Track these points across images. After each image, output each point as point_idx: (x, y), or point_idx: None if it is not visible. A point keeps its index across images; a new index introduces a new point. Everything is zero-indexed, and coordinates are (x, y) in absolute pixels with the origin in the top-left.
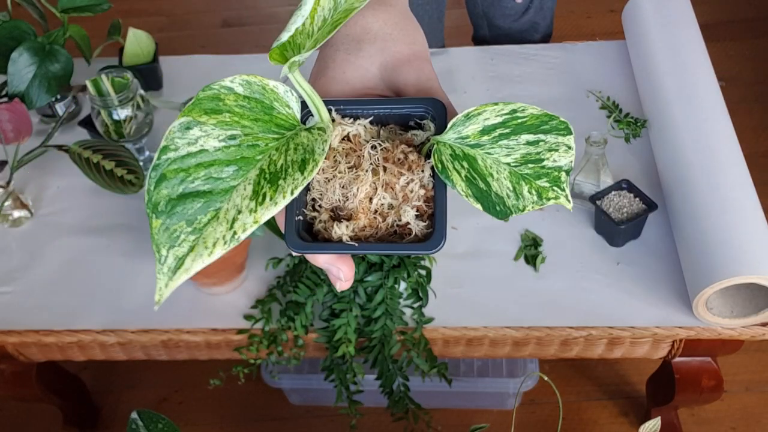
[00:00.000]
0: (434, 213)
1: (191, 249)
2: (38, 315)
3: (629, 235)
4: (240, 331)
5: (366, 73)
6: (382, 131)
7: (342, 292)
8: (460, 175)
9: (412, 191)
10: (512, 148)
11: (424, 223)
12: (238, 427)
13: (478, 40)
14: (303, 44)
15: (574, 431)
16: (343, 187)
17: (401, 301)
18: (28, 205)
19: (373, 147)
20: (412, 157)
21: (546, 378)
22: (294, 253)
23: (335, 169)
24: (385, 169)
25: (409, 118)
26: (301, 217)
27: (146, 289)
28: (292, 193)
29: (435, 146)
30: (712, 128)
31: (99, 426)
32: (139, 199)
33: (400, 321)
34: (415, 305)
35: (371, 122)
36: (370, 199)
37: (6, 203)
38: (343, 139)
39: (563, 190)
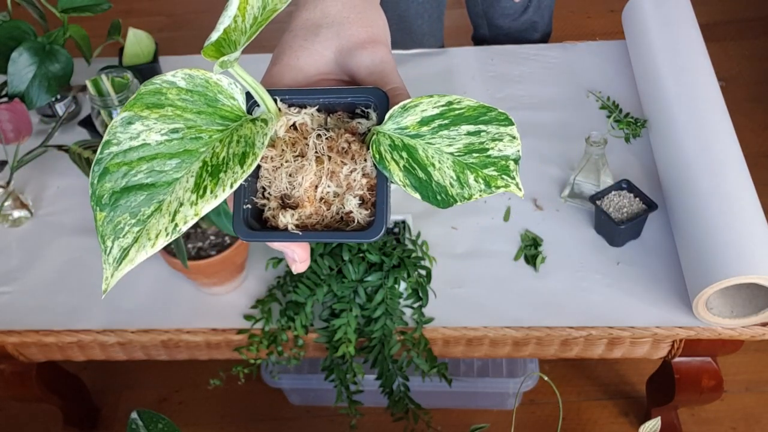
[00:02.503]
0: (375, 202)
1: (135, 240)
2: (38, 315)
3: (629, 235)
4: (240, 331)
5: (321, 58)
6: (329, 119)
7: (342, 292)
8: (399, 165)
9: (354, 180)
10: (453, 138)
11: (366, 212)
12: (238, 427)
13: (478, 40)
14: (238, 41)
15: (574, 431)
16: (289, 176)
17: (401, 301)
18: (28, 205)
19: (318, 136)
20: (355, 146)
21: (546, 378)
22: (242, 240)
23: (282, 158)
24: (329, 158)
25: (355, 106)
26: (249, 206)
27: (146, 289)
28: (231, 186)
29: (374, 137)
30: (712, 128)
31: (99, 426)
32: None
33: (400, 321)
34: (415, 305)
35: (318, 110)
36: (316, 188)
37: (6, 203)
38: (289, 128)
39: (513, 178)
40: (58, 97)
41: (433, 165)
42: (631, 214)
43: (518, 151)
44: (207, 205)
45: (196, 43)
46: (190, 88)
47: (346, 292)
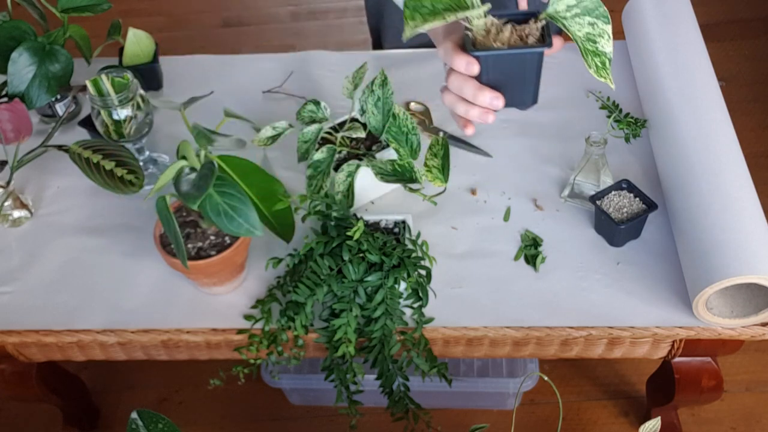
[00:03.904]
0: (541, 38)
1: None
2: (38, 315)
3: (629, 235)
4: (240, 331)
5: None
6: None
7: (342, 292)
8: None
9: (531, 33)
10: (581, 25)
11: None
12: (238, 426)
13: None
14: None
15: (574, 431)
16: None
17: (401, 301)
18: (28, 205)
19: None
20: (532, 25)
21: (546, 378)
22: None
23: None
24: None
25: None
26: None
27: (146, 288)
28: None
29: (546, 14)
30: (712, 128)
31: (99, 426)
32: (139, 199)
33: (400, 321)
34: (415, 305)
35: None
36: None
37: (6, 203)
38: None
39: (608, 74)
40: (58, 97)
41: (578, 43)
42: (631, 214)
43: (611, 51)
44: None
45: (196, 43)
46: None
47: (346, 292)
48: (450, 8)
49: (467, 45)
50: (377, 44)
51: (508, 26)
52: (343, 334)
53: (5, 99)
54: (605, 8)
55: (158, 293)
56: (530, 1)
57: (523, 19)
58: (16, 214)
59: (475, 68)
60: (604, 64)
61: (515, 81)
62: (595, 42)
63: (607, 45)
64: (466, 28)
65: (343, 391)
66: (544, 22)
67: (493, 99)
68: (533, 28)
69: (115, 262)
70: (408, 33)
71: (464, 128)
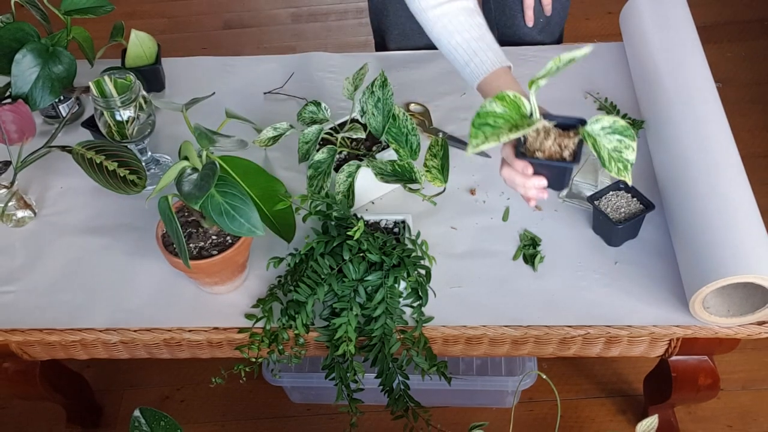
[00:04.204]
0: (575, 152)
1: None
2: (42, 314)
3: (627, 234)
4: (241, 330)
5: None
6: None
7: (342, 291)
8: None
9: (567, 146)
10: (610, 140)
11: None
12: (240, 424)
13: None
14: None
15: (572, 429)
16: (540, 143)
17: (401, 300)
18: (31, 205)
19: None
20: (568, 137)
21: (544, 376)
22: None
23: (539, 136)
24: (556, 137)
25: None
26: (523, 151)
27: (149, 288)
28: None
29: (584, 129)
30: (709, 129)
31: (102, 424)
32: (141, 199)
33: (400, 320)
34: (415, 304)
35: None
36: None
37: (10, 203)
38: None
39: (628, 172)
40: (62, 98)
41: (602, 150)
42: (629, 214)
43: (634, 158)
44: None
45: (198, 45)
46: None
47: (346, 291)
48: (511, 128)
49: (519, 145)
50: (381, 45)
51: (552, 134)
52: (343, 333)
53: (9, 100)
54: (633, 131)
55: (160, 292)
56: (536, 11)
57: (568, 124)
58: (20, 214)
59: (529, 171)
60: (626, 167)
61: (552, 177)
62: (620, 152)
63: (630, 155)
64: None
65: (343, 389)
66: (579, 138)
67: (539, 191)
68: (570, 143)
69: (118, 261)
70: (470, 151)
71: (528, 203)
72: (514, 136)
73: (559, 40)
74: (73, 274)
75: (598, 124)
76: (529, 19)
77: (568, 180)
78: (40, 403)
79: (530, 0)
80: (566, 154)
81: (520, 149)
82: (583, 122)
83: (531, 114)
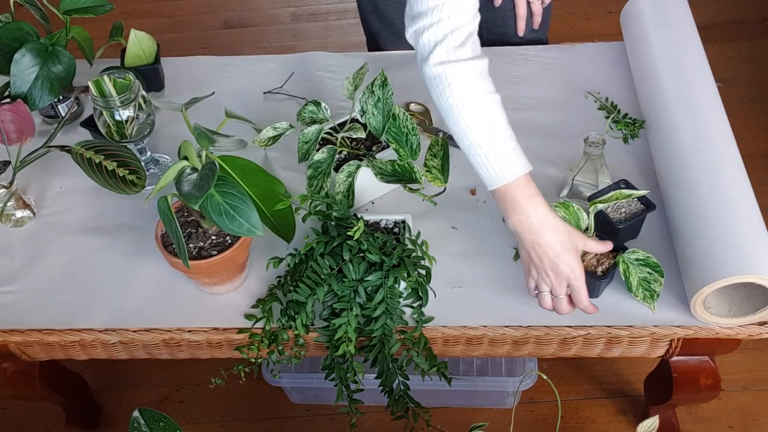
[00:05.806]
0: (607, 271)
1: None
2: (41, 314)
3: (627, 235)
4: (241, 331)
5: None
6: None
7: (342, 291)
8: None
9: (603, 264)
10: (641, 270)
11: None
12: (239, 425)
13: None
14: None
15: (572, 430)
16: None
17: (401, 300)
18: (30, 205)
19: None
20: (606, 258)
21: (545, 377)
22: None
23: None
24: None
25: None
26: None
27: (148, 288)
28: None
29: (621, 255)
30: (710, 129)
31: (101, 424)
32: (140, 199)
33: (400, 320)
34: (415, 305)
35: None
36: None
37: (9, 203)
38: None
39: (654, 301)
40: (61, 97)
41: (633, 279)
42: (629, 215)
43: (661, 290)
44: None
45: (197, 45)
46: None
47: (346, 291)
48: None
49: None
50: (372, 45)
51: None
52: (343, 333)
53: (8, 100)
54: (662, 268)
55: (160, 293)
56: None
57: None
58: (19, 214)
59: None
60: (652, 296)
61: (588, 284)
62: (649, 283)
63: (658, 288)
64: None
65: (343, 389)
66: (613, 261)
67: (569, 304)
68: (606, 261)
69: (117, 261)
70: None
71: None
72: None
73: (546, 40)
74: (72, 275)
75: (634, 255)
76: (521, 30)
77: (596, 292)
78: (39, 404)
79: (523, 11)
80: (600, 269)
81: None
82: (624, 249)
83: (587, 229)
